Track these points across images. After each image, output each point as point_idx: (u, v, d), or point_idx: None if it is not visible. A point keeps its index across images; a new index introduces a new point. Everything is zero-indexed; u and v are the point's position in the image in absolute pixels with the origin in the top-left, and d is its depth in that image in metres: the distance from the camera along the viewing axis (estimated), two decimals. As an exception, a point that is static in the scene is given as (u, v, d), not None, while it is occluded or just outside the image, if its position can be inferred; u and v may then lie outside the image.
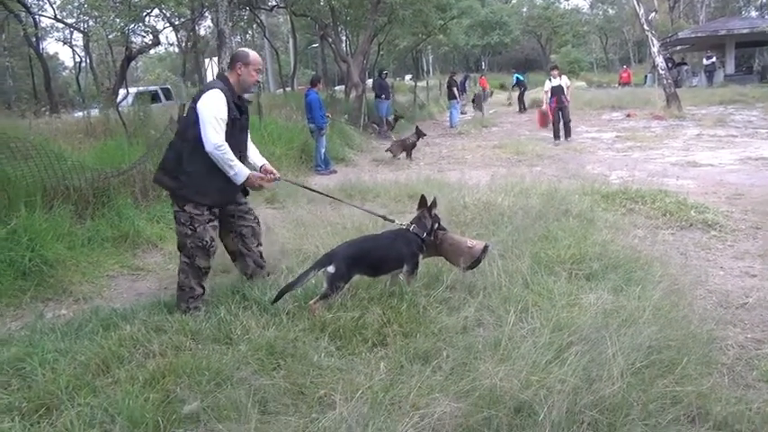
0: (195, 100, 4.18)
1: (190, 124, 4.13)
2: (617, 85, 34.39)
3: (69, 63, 40.58)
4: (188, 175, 4.13)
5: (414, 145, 13.14)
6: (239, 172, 4.14)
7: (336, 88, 24.60)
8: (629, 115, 19.89)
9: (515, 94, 27.23)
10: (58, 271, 5.21)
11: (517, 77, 27.46)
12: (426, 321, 3.83)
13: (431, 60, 57.82)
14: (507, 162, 11.79)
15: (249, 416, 2.71)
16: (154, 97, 17.89)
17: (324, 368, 3.30)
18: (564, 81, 14.48)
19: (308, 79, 23.82)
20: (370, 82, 22.20)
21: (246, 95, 4.48)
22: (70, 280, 5.18)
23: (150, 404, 2.93)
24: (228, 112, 4.08)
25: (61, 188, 6.24)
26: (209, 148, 4.00)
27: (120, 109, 10.34)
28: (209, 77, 25.31)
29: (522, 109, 25.17)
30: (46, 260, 5.19)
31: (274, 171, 4.57)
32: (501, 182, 7.91)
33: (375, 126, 17.34)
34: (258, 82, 4.36)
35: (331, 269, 3.99)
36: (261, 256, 4.67)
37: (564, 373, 2.89)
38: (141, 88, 20.09)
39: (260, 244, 4.68)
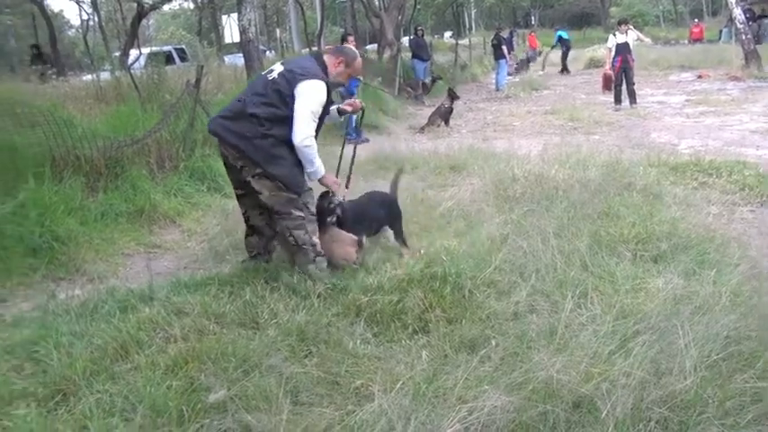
0: (293, 74, 4.22)
1: (278, 99, 4.20)
2: (687, 42, 33.50)
3: (75, 21, 41.10)
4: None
5: (450, 110, 13.07)
6: (317, 170, 4.33)
7: (368, 47, 24.51)
8: (700, 76, 19.41)
9: (548, 53, 26.84)
10: (70, 248, 5.33)
11: (559, 35, 26.94)
12: (473, 306, 3.82)
13: (473, 15, 57.14)
14: (561, 129, 11.65)
15: (280, 406, 2.76)
16: (168, 58, 18.01)
17: (360, 356, 3.33)
18: (631, 37, 14.07)
19: (335, 38, 23.70)
20: (405, 40, 22.03)
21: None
22: (83, 258, 5.30)
23: (173, 392, 2.99)
24: (325, 105, 4.28)
25: (71, 158, 6.36)
26: (297, 141, 4.15)
27: (132, 71, 10.46)
28: (227, 37, 25.46)
29: (565, 70, 24.76)
30: (57, 236, 5.32)
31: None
32: (554, 152, 7.82)
33: (410, 90, 17.24)
34: (342, 86, 4.49)
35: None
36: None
37: (629, 366, 2.88)
38: (154, 48, 20.26)
39: None
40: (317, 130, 4.33)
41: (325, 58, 4.45)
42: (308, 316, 3.78)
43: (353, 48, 4.51)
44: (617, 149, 8.34)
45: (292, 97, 4.15)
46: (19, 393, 3.16)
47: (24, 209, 5.33)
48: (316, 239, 4.40)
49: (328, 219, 4.57)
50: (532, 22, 59.47)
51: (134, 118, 7.87)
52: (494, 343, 3.36)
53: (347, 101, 4.72)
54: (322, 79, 4.23)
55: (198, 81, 8.18)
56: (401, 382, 2.98)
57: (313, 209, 4.44)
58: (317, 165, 4.29)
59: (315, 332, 3.57)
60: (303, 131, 4.14)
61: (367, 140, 11.38)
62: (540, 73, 24.75)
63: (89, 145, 6.55)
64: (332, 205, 4.56)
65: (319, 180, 4.43)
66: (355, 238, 4.60)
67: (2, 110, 6.20)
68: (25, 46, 25.06)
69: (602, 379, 2.84)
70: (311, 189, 4.47)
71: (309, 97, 4.15)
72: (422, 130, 12.84)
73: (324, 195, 4.56)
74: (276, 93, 4.20)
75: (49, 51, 18.68)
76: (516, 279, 4.14)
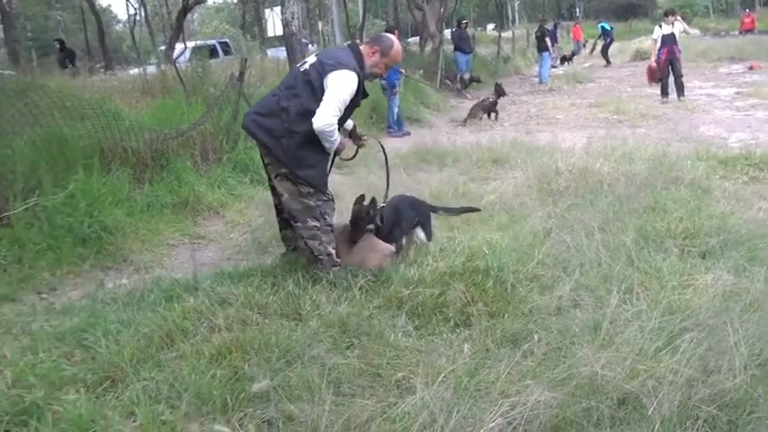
0: (324, 65, 4.16)
1: (308, 91, 4.16)
2: (738, 33, 32.65)
3: (122, 16, 41.86)
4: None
5: (494, 104, 12.80)
6: (334, 143, 4.21)
7: (410, 40, 24.41)
8: (751, 68, 18.90)
9: (596, 42, 26.36)
10: (118, 238, 5.46)
11: (602, 27, 26.47)
12: (515, 300, 3.80)
13: (516, 7, 56.55)
14: (606, 122, 11.46)
15: (323, 397, 2.78)
16: (212, 52, 18.26)
17: (401, 349, 3.34)
18: (678, 28, 13.73)
19: (378, 30, 23.67)
20: (447, 33, 21.90)
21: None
22: (130, 248, 5.42)
23: (217, 381, 3.04)
24: (354, 97, 4.18)
25: (119, 150, 6.50)
26: (316, 124, 4.02)
27: (177, 65, 10.61)
28: (270, 30, 25.63)
29: (607, 63, 24.36)
30: (105, 227, 5.44)
31: (363, 136, 4.73)
32: (599, 145, 7.71)
33: (448, 82, 17.14)
34: (379, 77, 4.46)
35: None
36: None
37: (676, 363, 2.82)
38: (199, 42, 20.53)
39: None
40: (344, 118, 4.28)
41: (362, 48, 4.38)
42: (350, 308, 3.80)
43: (395, 41, 4.38)
44: (664, 143, 8.18)
45: (322, 89, 4.08)
46: (69, 379, 3.24)
47: (74, 200, 5.46)
48: (331, 249, 4.33)
49: (368, 226, 4.43)
50: (577, 14, 58.54)
51: (179, 111, 8.00)
52: (536, 338, 3.32)
53: (344, 139, 4.41)
54: (353, 69, 4.14)
55: (242, 74, 8.26)
56: (443, 376, 2.97)
57: (330, 219, 4.36)
58: (334, 144, 4.21)
59: (356, 324, 3.59)
60: (325, 118, 4.01)
61: (408, 134, 11.39)
62: (586, 65, 24.40)
63: (136, 137, 6.68)
64: (371, 213, 4.40)
65: (338, 148, 4.34)
66: (392, 248, 4.47)
67: (52, 103, 6.33)
68: (76, 41, 25.66)
69: (649, 376, 2.80)
70: (331, 200, 4.39)
71: (338, 87, 4.07)
72: (464, 122, 12.68)
73: (359, 200, 4.44)
74: (306, 84, 4.15)
75: (70, 46, 19.01)
76: (560, 273, 4.10)
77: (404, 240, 4.73)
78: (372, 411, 2.77)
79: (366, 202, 4.41)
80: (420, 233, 4.82)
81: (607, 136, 8.66)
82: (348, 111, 4.26)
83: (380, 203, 4.58)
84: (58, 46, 18.62)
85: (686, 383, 2.72)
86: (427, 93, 14.71)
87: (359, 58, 4.27)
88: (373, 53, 4.31)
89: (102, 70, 12.82)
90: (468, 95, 16.58)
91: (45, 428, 2.82)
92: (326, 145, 4.17)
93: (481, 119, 12.64)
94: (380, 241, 4.48)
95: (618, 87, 17.06)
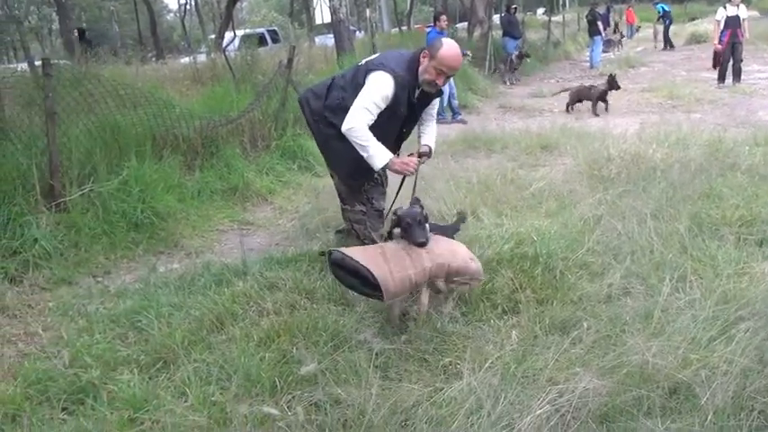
0: (370, 64, 3.98)
1: (352, 87, 4.01)
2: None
3: (173, 6, 42.54)
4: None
5: (603, 95, 11.33)
6: (375, 154, 3.78)
7: (458, 26, 24.20)
8: (814, 50, 18.19)
9: (660, 27, 25.53)
10: (169, 224, 5.57)
11: (662, 7, 25.64)
12: (564, 288, 3.76)
13: (567, -9, 55.45)
14: (659, 108, 11.19)
15: (370, 381, 2.80)
16: (260, 40, 18.41)
17: (449, 335, 3.34)
18: (743, 10, 13.23)
19: (425, 17, 23.52)
20: (496, 18, 21.64)
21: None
22: (181, 233, 5.53)
23: (266, 363, 3.10)
24: (393, 104, 3.86)
25: (170, 137, 6.62)
26: (343, 127, 3.81)
27: (226, 53, 10.74)
28: (318, 18, 25.73)
29: (669, 46, 23.63)
30: (157, 212, 5.56)
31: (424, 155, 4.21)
32: (652, 131, 7.54)
33: (501, 66, 16.91)
34: (436, 85, 3.89)
35: None
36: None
37: (731, 353, 2.76)
38: (248, 31, 20.73)
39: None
40: (386, 129, 3.94)
41: (421, 55, 3.94)
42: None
43: (448, 42, 3.88)
44: (720, 128, 7.94)
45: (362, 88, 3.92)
46: (123, 360, 3.34)
47: (127, 186, 5.59)
48: (376, 236, 4.17)
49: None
50: (630, -3, 57.10)
51: (228, 98, 8.10)
52: (586, 325, 3.28)
53: (399, 159, 3.91)
54: (390, 72, 3.82)
55: (290, 61, 8.31)
56: (490, 362, 2.97)
57: (378, 204, 4.23)
58: (370, 151, 3.77)
59: (404, 310, 3.60)
60: (352, 120, 3.76)
61: (465, 122, 11.21)
62: (638, 49, 23.83)
63: (187, 125, 6.80)
64: (423, 212, 3.67)
65: (388, 168, 3.91)
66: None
67: (106, 91, 6.47)
68: (128, 30, 26.20)
69: (702, 365, 2.75)
70: (380, 184, 4.27)
71: (371, 89, 3.81)
72: (567, 109, 11.68)
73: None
74: (353, 80, 4.03)
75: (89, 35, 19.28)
76: (610, 261, 4.04)
77: None
78: (419, 396, 2.79)
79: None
80: None
81: (660, 121, 8.46)
82: (391, 121, 3.96)
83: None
84: (76, 35, 18.94)
85: (741, 373, 2.66)
86: (476, 79, 14.56)
87: (413, 64, 3.91)
88: (424, 57, 3.88)
89: (153, 59, 13.03)
90: (516, 80, 16.36)
91: (101, 407, 2.92)
92: (363, 155, 3.83)
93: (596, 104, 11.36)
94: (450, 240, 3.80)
95: (672, 72, 16.62)
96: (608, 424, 2.59)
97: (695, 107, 10.90)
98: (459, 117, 11.53)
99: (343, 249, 3.44)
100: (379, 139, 3.80)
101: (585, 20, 20.78)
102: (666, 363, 2.79)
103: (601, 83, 11.72)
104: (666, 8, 24.91)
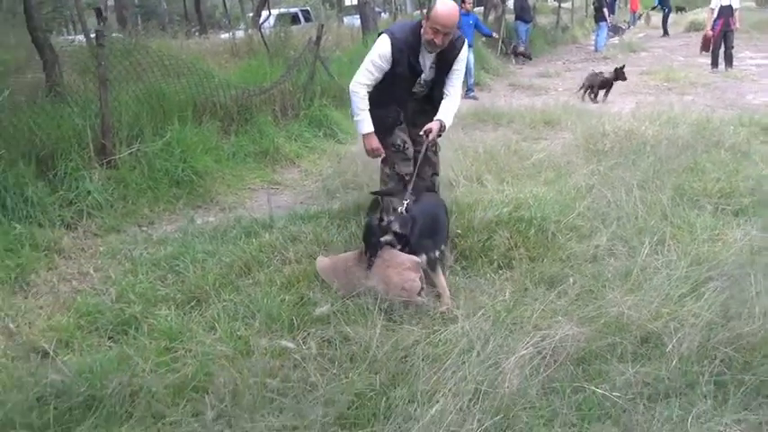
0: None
1: None
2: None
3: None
4: None
5: (606, 83, 10.27)
6: (360, 122, 3.84)
7: (474, 9, 23.80)
8: (805, 40, 17.64)
9: (649, 13, 24.76)
10: (206, 182, 5.64)
11: None
12: (554, 247, 3.78)
13: (578, -21, 54.12)
14: (655, 89, 10.99)
15: (375, 322, 2.87)
16: (294, 19, 18.26)
17: (448, 285, 3.38)
18: (735, 1, 12.89)
19: None
20: (510, 2, 21.25)
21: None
22: (216, 190, 5.60)
23: (286, 304, 3.18)
24: (393, 64, 3.77)
25: (209, 104, 6.66)
26: (350, 84, 3.85)
27: (262, 30, 10.69)
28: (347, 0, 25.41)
29: (665, 33, 23.03)
30: (196, 171, 5.62)
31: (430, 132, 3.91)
32: (646, 110, 7.42)
33: (503, 46, 16.62)
34: (435, 44, 3.69)
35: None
36: (434, 186, 4.37)
37: (699, 308, 2.80)
38: (283, 10, 20.55)
39: (436, 174, 4.37)
40: (392, 91, 3.88)
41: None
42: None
43: (442, 1, 3.65)
44: (709, 109, 7.82)
45: None
46: (162, 298, 3.44)
47: (170, 147, 5.65)
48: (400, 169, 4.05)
49: (383, 239, 3.31)
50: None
51: (262, 71, 8.09)
52: (571, 281, 3.32)
53: (374, 142, 3.87)
54: (390, 35, 3.76)
55: (318, 39, 8.27)
56: (483, 310, 3.02)
57: (400, 168, 4.04)
58: (358, 116, 3.82)
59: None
60: (354, 81, 3.81)
61: (476, 98, 11.11)
62: (640, 35, 23.29)
63: (224, 93, 6.83)
64: (385, 221, 3.34)
65: (363, 137, 3.91)
66: (415, 259, 3.26)
67: (153, 62, 6.50)
68: (175, 7, 26.08)
69: (671, 318, 2.78)
70: (401, 151, 4.04)
71: (372, 51, 3.82)
72: (582, 95, 10.44)
73: (372, 208, 4.04)
74: None
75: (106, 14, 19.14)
76: (598, 225, 4.04)
77: (442, 252, 3.54)
78: (418, 336, 2.85)
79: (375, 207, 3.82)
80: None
81: (655, 102, 8.34)
82: (395, 82, 3.84)
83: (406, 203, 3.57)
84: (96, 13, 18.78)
85: (706, 326, 2.69)
86: (488, 58, 14.37)
87: (417, 28, 3.79)
88: (425, 20, 3.74)
89: (197, 34, 13.00)
90: (518, 63, 16.12)
91: (141, 337, 3.02)
92: (353, 117, 3.91)
93: (586, 93, 10.44)
94: (400, 253, 3.29)
95: (670, 57, 16.25)
96: (584, 366, 2.63)
97: (689, 90, 10.69)
98: (472, 94, 11.43)
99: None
100: (385, 100, 3.86)
101: (593, 6, 20.33)
102: (640, 315, 2.82)
103: (608, 72, 10.58)
104: None
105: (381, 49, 3.77)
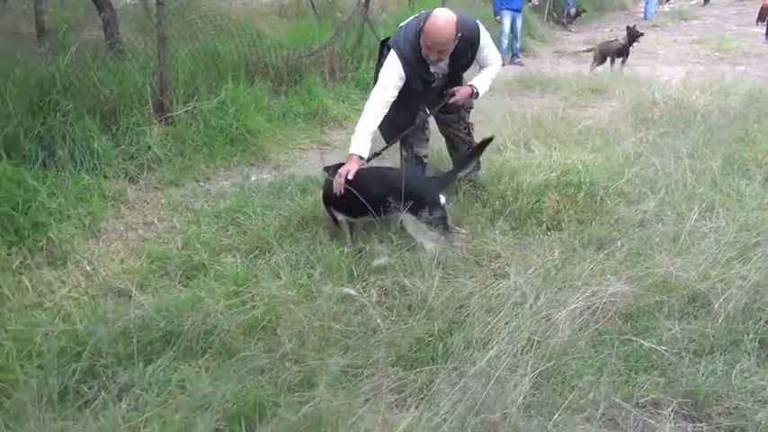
0: (390, 42, 3.75)
1: None
2: None
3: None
4: None
5: (623, 50, 9.65)
6: (353, 140, 3.70)
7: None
8: None
9: None
10: (259, 140, 5.82)
11: None
12: (603, 211, 3.88)
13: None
14: (706, 59, 10.81)
15: (432, 274, 3.03)
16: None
17: (499, 244, 3.51)
18: None
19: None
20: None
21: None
22: (269, 149, 5.78)
23: (345, 256, 3.36)
24: (407, 80, 3.63)
25: (261, 65, 6.81)
26: (369, 100, 3.71)
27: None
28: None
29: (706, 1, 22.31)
30: (249, 130, 5.80)
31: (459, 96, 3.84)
32: (697, 80, 7.34)
33: (555, 14, 16.41)
34: (431, 59, 3.58)
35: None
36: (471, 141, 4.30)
37: (746, 270, 2.89)
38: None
39: (469, 131, 4.30)
40: (407, 99, 3.74)
41: None
42: (456, 209, 3.99)
43: (433, 15, 3.47)
44: (762, 80, 7.71)
45: None
46: (226, 247, 3.66)
47: (225, 105, 5.83)
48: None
49: None
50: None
51: (311, 32, 8.20)
52: (620, 243, 3.42)
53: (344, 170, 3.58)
54: (398, 53, 3.60)
55: (367, 1, 8.33)
56: (534, 268, 3.15)
57: (418, 149, 4.12)
58: (354, 135, 3.70)
59: (461, 220, 3.79)
60: (371, 96, 3.69)
61: (522, 65, 11.08)
62: (693, 2, 22.62)
63: (275, 54, 6.97)
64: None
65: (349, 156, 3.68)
66: None
67: (205, 22, 6.67)
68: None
69: (719, 280, 2.88)
70: (419, 130, 4.08)
71: (384, 71, 3.65)
72: (591, 68, 9.78)
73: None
74: (394, 43, 3.73)
75: None
76: (646, 191, 4.12)
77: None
78: (472, 289, 3.00)
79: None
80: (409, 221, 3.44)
81: (706, 71, 8.22)
82: (409, 93, 3.70)
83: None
84: None
85: (753, 288, 2.79)
86: (535, 24, 14.20)
87: (416, 40, 3.56)
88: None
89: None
90: (572, 29, 15.92)
91: (210, 282, 3.24)
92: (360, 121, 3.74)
93: (596, 70, 9.67)
94: None
95: (723, 26, 15.83)
96: (632, 322, 2.77)
97: (741, 60, 10.50)
98: (518, 60, 11.38)
99: None
100: (401, 106, 3.71)
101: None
102: (688, 276, 2.93)
103: (621, 37, 9.89)
104: None
105: (393, 69, 3.60)
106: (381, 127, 3.75)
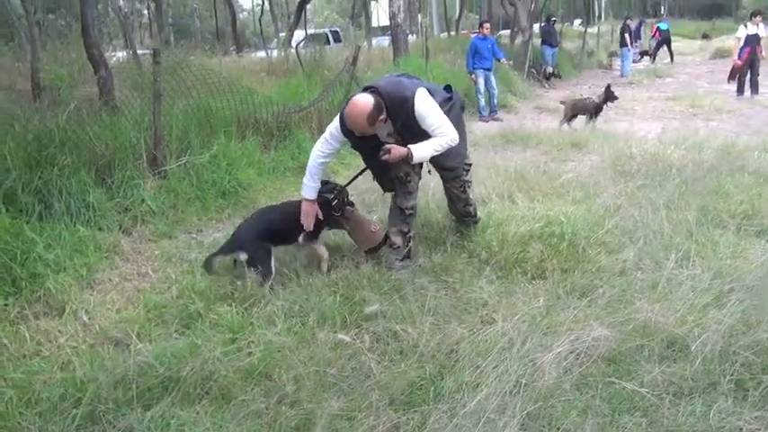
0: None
1: None
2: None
3: (246, 5, 43.28)
4: None
5: (599, 108, 9.86)
6: (304, 186, 4.16)
7: (501, 32, 24.23)
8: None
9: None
10: (250, 193, 6.00)
11: (658, 27, 25.06)
12: (585, 260, 4.03)
13: (603, 4, 54.60)
14: (681, 115, 11.23)
15: (422, 320, 3.16)
16: (324, 39, 18.80)
17: (486, 292, 3.65)
18: (762, 29, 13.13)
19: (472, 23, 23.46)
20: (536, 27, 21.61)
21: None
22: (259, 201, 5.93)
23: (338, 303, 3.48)
24: (349, 139, 3.93)
25: (252, 121, 7.06)
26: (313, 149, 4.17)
27: (297, 50, 11.13)
28: (374, 21, 25.98)
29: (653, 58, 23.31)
30: (240, 183, 5.98)
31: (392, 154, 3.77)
32: (672, 135, 7.69)
33: (534, 71, 17.02)
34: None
35: (243, 256, 3.90)
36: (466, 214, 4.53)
37: (722, 315, 3.03)
38: (318, 30, 21.13)
39: (469, 204, 4.47)
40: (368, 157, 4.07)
41: None
42: (443, 259, 4.15)
43: (351, 102, 3.74)
44: (734, 135, 8.05)
45: None
46: (221, 296, 3.75)
47: (216, 159, 6.02)
48: (392, 231, 4.22)
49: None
50: (662, 11, 55.84)
51: (300, 89, 8.50)
52: (601, 290, 3.58)
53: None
54: (340, 116, 3.85)
55: (355, 59, 8.66)
56: (520, 314, 3.28)
57: (400, 202, 4.19)
58: (305, 181, 4.14)
59: (448, 268, 3.93)
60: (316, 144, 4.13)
61: (501, 119, 11.46)
62: (666, 61, 23.52)
63: (265, 110, 7.21)
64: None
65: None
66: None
67: (197, 79, 6.91)
68: (208, 26, 26.88)
69: (696, 324, 3.03)
70: (405, 183, 4.15)
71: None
72: (561, 124, 9.96)
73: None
74: None
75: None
76: (625, 241, 4.30)
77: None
78: (461, 335, 3.13)
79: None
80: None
81: (681, 127, 8.60)
82: (360, 148, 4.11)
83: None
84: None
85: (728, 332, 2.94)
86: (515, 81, 14.71)
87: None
88: None
89: (234, 53, 13.50)
90: (548, 86, 16.50)
91: (206, 330, 3.33)
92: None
93: (568, 125, 9.89)
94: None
95: (696, 83, 16.48)
96: (614, 365, 2.89)
97: (714, 116, 10.92)
98: (497, 115, 11.78)
99: None
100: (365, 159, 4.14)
101: (619, 32, 20.65)
102: (666, 321, 3.07)
103: (596, 96, 10.09)
104: (664, 27, 24.19)
105: (334, 124, 3.94)
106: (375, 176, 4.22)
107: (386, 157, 3.75)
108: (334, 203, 4.23)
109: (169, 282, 4.12)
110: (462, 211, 4.52)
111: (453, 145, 3.84)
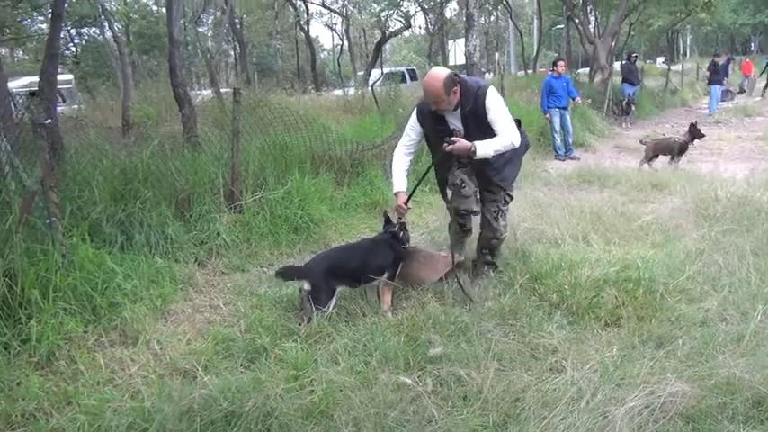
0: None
1: None
2: None
3: (326, 45, 44.70)
4: None
5: (684, 147, 9.41)
6: (392, 182, 4.54)
7: (580, 71, 23.93)
8: None
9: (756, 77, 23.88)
10: (322, 229, 6.07)
11: None
12: (663, 308, 3.83)
13: (688, 41, 53.18)
14: (771, 156, 10.68)
15: (487, 366, 3.06)
16: (401, 77, 19.11)
17: (556, 337, 3.52)
18: None
19: (549, 61, 23.28)
20: (617, 65, 21.22)
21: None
22: (331, 237, 6.00)
23: (402, 344, 3.43)
24: (423, 127, 4.38)
25: (326, 158, 7.18)
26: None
27: (373, 88, 11.33)
28: (451, 59, 26.20)
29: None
30: (312, 218, 6.07)
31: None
32: (761, 176, 7.27)
33: (615, 109, 16.63)
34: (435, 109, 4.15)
35: (307, 286, 3.85)
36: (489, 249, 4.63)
37: (815, 374, 2.80)
38: (394, 69, 21.52)
39: (495, 238, 4.55)
40: (432, 147, 4.54)
41: None
42: (512, 301, 4.03)
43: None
44: (829, 178, 7.55)
45: None
46: (287, 331, 3.78)
47: (290, 195, 6.14)
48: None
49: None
50: (752, 48, 53.79)
51: (374, 127, 8.61)
52: (681, 342, 3.38)
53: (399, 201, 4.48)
54: (418, 106, 4.45)
55: (428, 98, 8.69)
56: (591, 363, 3.14)
57: (458, 180, 4.35)
58: (391, 177, 4.54)
59: (516, 311, 3.82)
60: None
61: (578, 158, 11.25)
62: (756, 99, 22.52)
63: (339, 148, 7.33)
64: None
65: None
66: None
67: (275, 117, 7.12)
68: (289, 65, 27.88)
69: (786, 383, 2.80)
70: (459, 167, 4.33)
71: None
72: (641, 163, 9.49)
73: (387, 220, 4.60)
74: None
75: None
76: (708, 289, 4.06)
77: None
78: (528, 382, 3.01)
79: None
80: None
81: (771, 168, 8.14)
82: (430, 139, 4.47)
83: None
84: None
85: (823, 393, 2.70)
86: (594, 120, 14.42)
87: None
88: None
89: (313, 91, 13.90)
90: (629, 124, 16.05)
91: (271, 365, 3.34)
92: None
93: (649, 165, 9.42)
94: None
95: (789, 122, 15.68)
96: (693, 423, 2.70)
97: (808, 157, 10.32)
98: (573, 154, 11.56)
99: None
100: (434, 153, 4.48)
101: (707, 70, 19.95)
102: (753, 378, 2.85)
103: (679, 135, 9.73)
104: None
105: (411, 117, 4.46)
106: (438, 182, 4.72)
107: (450, 147, 3.97)
108: (401, 235, 4.40)
109: (238, 315, 4.19)
110: (487, 245, 4.59)
111: (515, 147, 4.11)
